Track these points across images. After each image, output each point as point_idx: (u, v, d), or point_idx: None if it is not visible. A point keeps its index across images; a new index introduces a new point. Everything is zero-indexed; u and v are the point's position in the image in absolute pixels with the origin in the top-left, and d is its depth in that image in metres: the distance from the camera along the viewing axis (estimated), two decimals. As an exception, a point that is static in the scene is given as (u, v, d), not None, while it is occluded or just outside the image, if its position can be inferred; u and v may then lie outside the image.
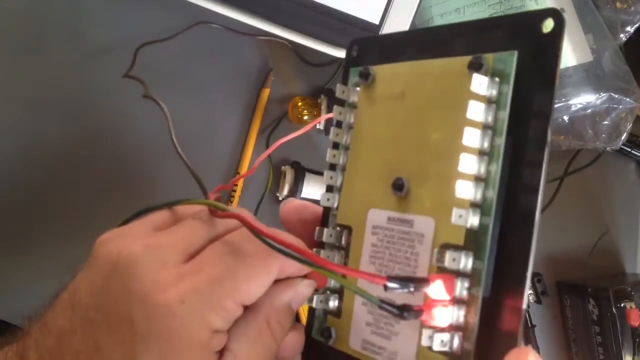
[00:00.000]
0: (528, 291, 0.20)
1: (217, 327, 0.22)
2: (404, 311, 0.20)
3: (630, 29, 0.53)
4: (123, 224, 0.25)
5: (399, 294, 0.21)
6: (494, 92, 0.21)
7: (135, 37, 0.52)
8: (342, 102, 0.28)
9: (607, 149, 0.55)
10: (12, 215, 0.51)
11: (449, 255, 0.21)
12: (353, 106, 0.27)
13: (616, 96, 0.51)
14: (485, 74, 0.21)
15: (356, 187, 0.26)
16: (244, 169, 0.54)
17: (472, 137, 0.21)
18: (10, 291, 0.50)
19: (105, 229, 0.25)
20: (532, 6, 0.51)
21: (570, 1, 0.52)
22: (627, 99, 0.51)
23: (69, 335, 0.22)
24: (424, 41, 0.25)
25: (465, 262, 0.21)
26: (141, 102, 0.41)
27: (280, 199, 0.53)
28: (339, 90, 0.27)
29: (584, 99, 0.52)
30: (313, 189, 0.52)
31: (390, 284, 0.20)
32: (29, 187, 0.52)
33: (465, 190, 0.21)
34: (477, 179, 0.21)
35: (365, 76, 0.26)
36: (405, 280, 0.21)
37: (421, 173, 0.23)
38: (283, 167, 0.53)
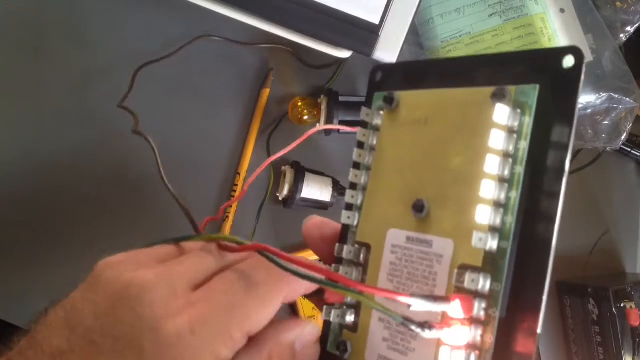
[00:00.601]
0: (544, 315, 0.21)
1: (223, 358, 0.22)
2: (425, 328, 0.21)
3: (630, 29, 0.54)
4: None
5: (419, 311, 0.22)
6: (516, 123, 0.22)
7: (135, 52, 0.52)
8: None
9: (607, 149, 0.55)
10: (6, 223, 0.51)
11: (468, 276, 0.22)
12: (376, 129, 0.28)
13: (616, 96, 0.51)
14: (508, 105, 0.22)
15: (376, 207, 0.27)
16: (244, 169, 0.54)
17: (493, 165, 0.22)
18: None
19: (102, 241, 0.25)
20: (532, 7, 0.51)
21: (570, 1, 0.52)
22: (627, 99, 0.51)
23: (66, 355, 0.22)
24: (447, 70, 0.26)
25: (484, 283, 0.22)
26: (141, 119, 0.41)
27: (280, 198, 0.53)
28: (363, 113, 0.28)
29: (584, 99, 0.52)
30: (313, 189, 0.52)
31: (415, 302, 0.21)
32: (23, 191, 0.52)
33: (486, 215, 0.22)
34: (497, 204, 0.22)
35: (390, 101, 0.27)
36: (428, 299, 0.21)
37: (441, 196, 0.24)
38: (283, 167, 0.53)
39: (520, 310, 0.21)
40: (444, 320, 0.22)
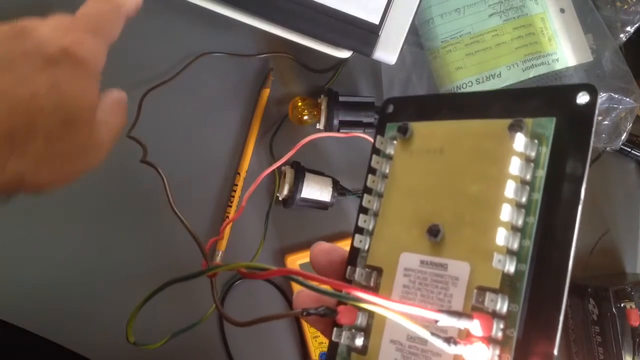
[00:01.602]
0: (560, 336, 0.21)
1: None
2: (450, 343, 0.22)
3: (630, 29, 0.53)
4: (149, 298, 0.28)
5: (445, 327, 0.23)
6: (533, 153, 0.24)
7: (137, 65, 0.52)
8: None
9: (607, 149, 0.55)
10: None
11: (488, 296, 0.22)
12: (389, 157, 0.29)
13: (616, 96, 0.51)
14: (525, 136, 0.24)
15: (388, 232, 0.27)
16: (244, 169, 0.54)
17: (513, 190, 0.23)
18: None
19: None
20: (532, 7, 0.51)
21: (570, 1, 0.52)
22: (627, 99, 0.51)
23: None
24: (460, 104, 0.28)
25: (502, 304, 0.22)
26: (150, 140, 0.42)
27: (280, 198, 0.53)
28: (378, 142, 0.29)
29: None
30: (313, 189, 0.52)
31: (441, 317, 0.22)
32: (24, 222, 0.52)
33: (505, 238, 0.23)
34: (515, 229, 0.23)
35: (404, 131, 0.28)
36: (453, 315, 0.22)
37: (457, 221, 0.25)
38: (283, 167, 0.53)
39: (536, 331, 0.22)
40: (467, 337, 0.23)
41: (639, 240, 0.61)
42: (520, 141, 0.23)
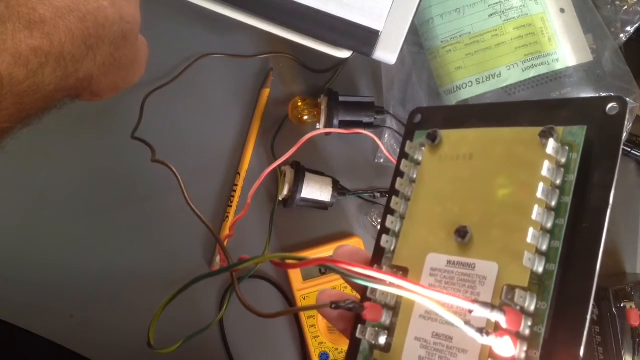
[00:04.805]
0: (586, 336, 0.22)
1: None
2: (483, 334, 0.22)
3: (630, 29, 0.53)
4: (173, 298, 0.28)
5: (477, 319, 0.23)
6: (563, 159, 0.24)
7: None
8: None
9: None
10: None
11: (518, 293, 0.23)
12: (416, 163, 0.29)
13: (616, 96, 0.51)
14: (556, 142, 0.24)
15: (415, 233, 0.28)
16: (244, 169, 0.54)
17: (544, 192, 0.24)
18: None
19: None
20: (532, 7, 0.51)
21: (570, 1, 0.52)
22: (627, 99, 0.51)
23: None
24: (489, 113, 0.29)
25: (530, 301, 0.23)
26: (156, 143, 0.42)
27: (280, 198, 0.53)
28: (408, 147, 0.30)
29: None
30: (313, 189, 0.52)
31: (476, 308, 0.23)
32: (39, 228, 0.52)
33: (535, 238, 0.23)
34: (545, 230, 0.24)
35: (433, 138, 0.29)
36: (486, 306, 0.23)
37: (485, 223, 0.25)
38: (283, 167, 0.53)
39: (563, 331, 0.22)
40: (498, 330, 0.23)
41: (639, 240, 0.61)
42: (552, 146, 0.24)
